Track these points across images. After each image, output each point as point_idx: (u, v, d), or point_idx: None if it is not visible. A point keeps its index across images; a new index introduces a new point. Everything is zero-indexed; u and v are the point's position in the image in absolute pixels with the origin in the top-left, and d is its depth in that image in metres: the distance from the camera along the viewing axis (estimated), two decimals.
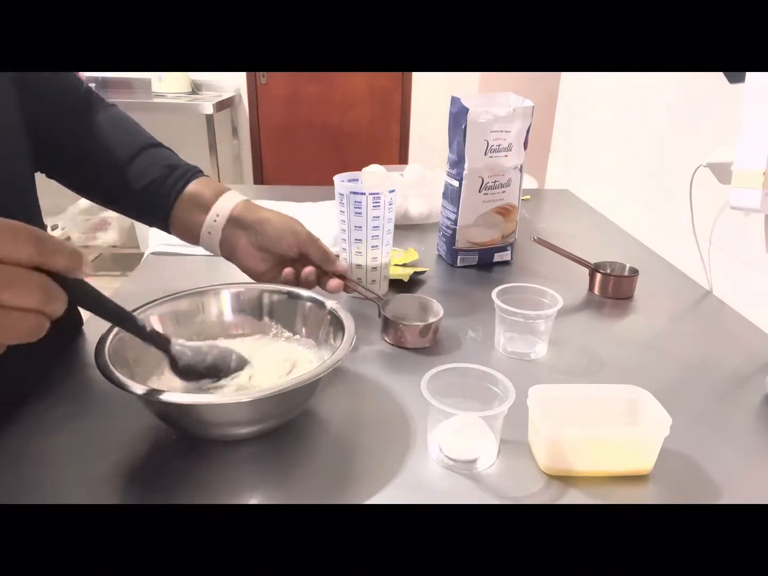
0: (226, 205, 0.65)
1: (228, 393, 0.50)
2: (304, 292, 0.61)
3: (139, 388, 0.43)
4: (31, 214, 0.60)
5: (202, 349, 0.50)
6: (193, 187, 0.66)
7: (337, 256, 0.68)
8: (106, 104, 0.69)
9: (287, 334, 0.60)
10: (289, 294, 0.61)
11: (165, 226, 0.68)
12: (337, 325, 0.55)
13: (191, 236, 0.67)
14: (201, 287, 0.61)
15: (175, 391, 0.47)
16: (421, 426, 0.53)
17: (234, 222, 0.65)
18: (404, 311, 0.70)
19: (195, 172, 0.68)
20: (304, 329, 0.60)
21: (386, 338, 0.68)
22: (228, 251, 0.66)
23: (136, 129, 0.69)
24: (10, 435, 0.50)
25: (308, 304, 0.60)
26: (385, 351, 0.66)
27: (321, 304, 0.58)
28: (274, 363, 0.55)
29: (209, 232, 0.66)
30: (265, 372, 0.53)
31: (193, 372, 0.49)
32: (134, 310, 0.54)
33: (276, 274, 0.66)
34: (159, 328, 0.55)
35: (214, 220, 0.65)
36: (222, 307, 0.61)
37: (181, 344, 0.48)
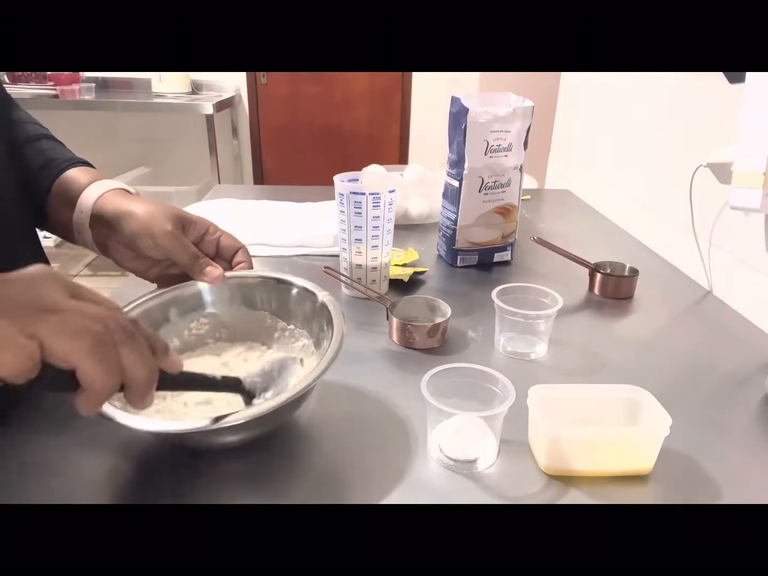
0: (90, 197, 0.55)
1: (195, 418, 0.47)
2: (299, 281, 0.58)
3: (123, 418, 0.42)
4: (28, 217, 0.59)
5: (265, 369, 0.50)
6: (63, 178, 0.57)
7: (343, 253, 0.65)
8: None
9: (281, 324, 0.58)
10: (278, 280, 0.58)
11: (49, 229, 0.59)
12: (329, 322, 0.53)
13: (70, 238, 0.58)
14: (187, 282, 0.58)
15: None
16: (422, 426, 0.53)
17: (97, 217, 0.55)
18: (412, 312, 0.70)
19: (72, 164, 0.58)
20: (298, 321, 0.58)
21: (395, 339, 0.68)
22: (104, 251, 0.57)
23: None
24: (10, 435, 0.50)
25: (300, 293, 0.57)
26: (391, 351, 0.66)
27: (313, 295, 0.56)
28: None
29: (78, 231, 0.57)
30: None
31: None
32: (127, 305, 0.54)
33: (163, 270, 0.58)
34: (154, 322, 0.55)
35: (80, 216, 0.56)
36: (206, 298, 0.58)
37: (251, 377, 0.48)
